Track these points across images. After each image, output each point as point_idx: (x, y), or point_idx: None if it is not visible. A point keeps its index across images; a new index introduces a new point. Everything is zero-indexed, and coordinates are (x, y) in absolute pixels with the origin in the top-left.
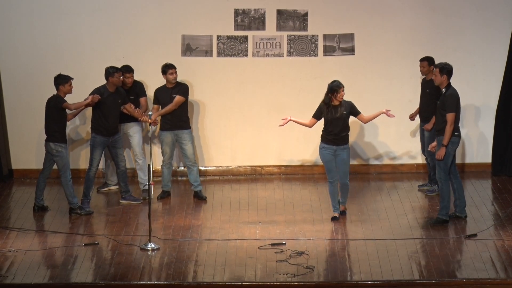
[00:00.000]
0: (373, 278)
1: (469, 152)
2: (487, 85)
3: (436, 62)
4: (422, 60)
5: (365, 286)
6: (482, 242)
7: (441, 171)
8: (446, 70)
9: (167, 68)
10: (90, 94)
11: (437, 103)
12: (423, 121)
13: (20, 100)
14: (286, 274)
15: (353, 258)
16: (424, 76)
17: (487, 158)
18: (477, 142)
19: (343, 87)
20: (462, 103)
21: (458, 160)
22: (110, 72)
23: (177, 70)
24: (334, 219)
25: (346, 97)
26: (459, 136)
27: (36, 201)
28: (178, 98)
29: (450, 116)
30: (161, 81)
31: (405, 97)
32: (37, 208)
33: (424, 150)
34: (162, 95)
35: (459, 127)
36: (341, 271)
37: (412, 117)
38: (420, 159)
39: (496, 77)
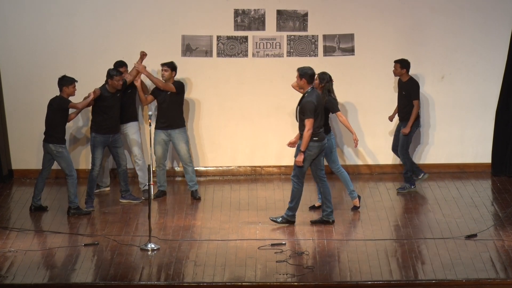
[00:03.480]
0: (372, 278)
1: (469, 152)
2: (487, 85)
3: (437, 62)
4: (395, 62)
5: (365, 286)
6: (482, 242)
7: (296, 173)
8: (308, 75)
9: (161, 66)
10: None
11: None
12: (401, 121)
13: (20, 101)
14: (286, 274)
15: (353, 258)
16: (399, 78)
17: (487, 158)
18: (477, 142)
19: (317, 76)
20: (462, 103)
21: (458, 160)
22: (110, 74)
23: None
24: (312, 208)
25: (347, 97)
26: (319, 141)
27: (33, 201)
28: (169, 84)
29: (307, 122)
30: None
31: None
32: (33, 208)
33: (393, 148)
34: (159, 91)
35: (319, 133)
36: (341, 271)
37: (391, 118)
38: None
39: (496, 77)
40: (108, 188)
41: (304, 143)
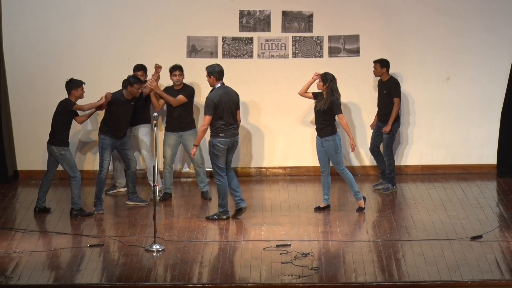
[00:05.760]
0: (378, 279)
1: (474, 153)
2: (492, 86)
3: (442, 63)
4: (374, 62)
5: (370, 287)
6: (487, 243)
7: (214, 170)
8: (216, 72)
9: (171, 70)
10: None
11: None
12: (380, 120)
13: (25, 102)
14: (291, 275)
15: (358, 260)
16: (380, 78)
17: (493, 160)
18: (482, 143)
19: (320, 77)
20: (468, 105)
21: (463, 161)
22: (130, 81)
23: (183, 72)
24: (317, 209)
25: (352, 98)
26: (225, 137)
27: (37, 203)
28: (180, 97)
29: (204, 118)
30: (166, 82)
31: (410, 98)
32: (38, 209)
33: (372, 148)
34: (168, 94)
35: (227, 129)
36: (346, 272)
37: (372, 126)
38: (419, 161)
39: (501, 78)
40: (124, 189)
41: (198, 138)
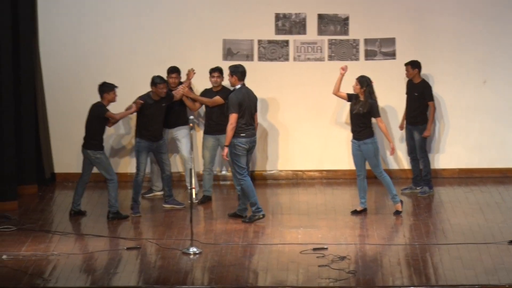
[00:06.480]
0: (415, 283)
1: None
2: None
3: (478, 66)
4: (406, 64)
5: None
6: None
7: (236, 170)
8: (239, 72)
9: (211, 71)
10: (133, 102)
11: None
12: (410, 123)
13: (62, 104)
14: (328, 278)
15: (395, 263)
16: (410, 79)
17: None
18: None
19: (357, 81)
20: (504, 107)
21: (500, 165)
22: (154, 82)
23: (222, 74)
24: (354, 212)
25: (388, 101)
26: (246, 137)
27: (72, 206)
28: (216, 98)
29: (230, 117)
30: (202, 85)
31: (446, 101)
32: (73, 213)
33: (410, 151)
34: (206, 96)
35: (247, 129)
36: (383, 276)
37: (401, 127)
38: (456, 165)
39: None
40: (161, 192)
41: (227, 137)
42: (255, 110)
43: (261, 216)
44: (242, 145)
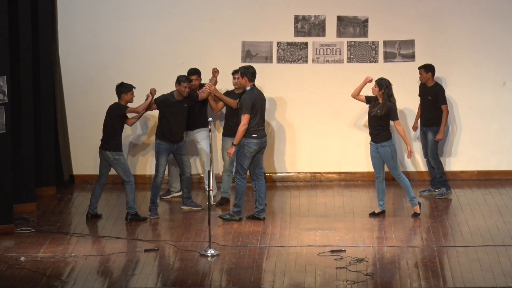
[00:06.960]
0: (433, 285)
1: None
2: None
3: (498, 67)
4: (419, 68)
5: None
6: None
7: (237, 170)
8: (249, 73)
9: (233, 73)
10: (155, 101)
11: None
12: (425, 125)
13: (81, 106)
14: (346, 281)
15: (413, 265)
16: (424, 83)
17: None
18: None
19: (376, 83)
20: None
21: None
22: (179, 80)
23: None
24: (372, 214)
25: (407, 104)
26: (257, 138)
27: (89, 209)
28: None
29: (243, 117)
30: (220, 87)
31: (465, 103)
32: (90, 216)
33: (426, 154)
34: (229, 97)
35: (259, 130)
36: (401, 278)
37: (415, 128)
38: (474, 167)
39: None
40: (179, 193)
41: (237, 137)
42: (265, 111)
43: (238, 219)
44: (252, 146)
